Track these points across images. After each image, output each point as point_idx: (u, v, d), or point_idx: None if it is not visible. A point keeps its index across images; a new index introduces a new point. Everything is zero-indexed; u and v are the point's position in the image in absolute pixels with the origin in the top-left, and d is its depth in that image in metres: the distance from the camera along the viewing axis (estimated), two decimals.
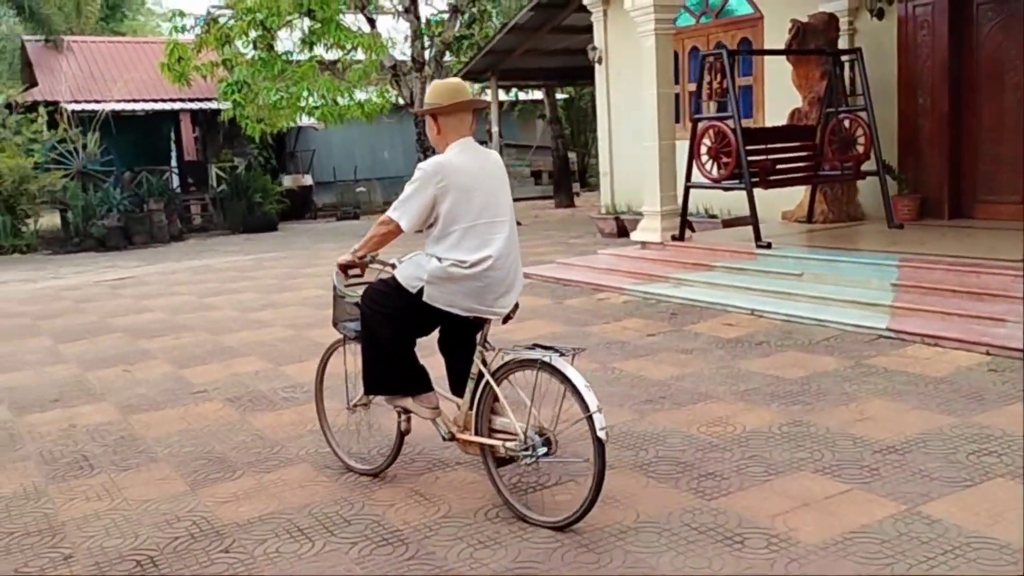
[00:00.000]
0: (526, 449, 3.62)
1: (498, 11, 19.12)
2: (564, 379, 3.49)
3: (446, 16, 18.44)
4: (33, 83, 20.11)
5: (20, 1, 18.58)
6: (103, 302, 10.67)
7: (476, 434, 3.86)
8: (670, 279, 8.49)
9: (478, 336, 3.86)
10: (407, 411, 4.12)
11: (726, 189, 9.05)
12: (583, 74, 18.88)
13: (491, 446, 3.80)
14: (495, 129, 17.77)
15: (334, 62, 17.68)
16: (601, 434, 3.39)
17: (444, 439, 4.04)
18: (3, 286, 12.96)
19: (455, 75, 18.73)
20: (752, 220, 8.51)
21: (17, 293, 11.98)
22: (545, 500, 3.91)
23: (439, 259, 3.76)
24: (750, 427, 4.70)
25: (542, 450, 3.60)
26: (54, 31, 19.95)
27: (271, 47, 17.04)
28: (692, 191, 9.35)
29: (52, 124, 18.25)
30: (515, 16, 15.93)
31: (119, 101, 19.41)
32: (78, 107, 18.75)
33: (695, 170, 9.05)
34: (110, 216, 17.85)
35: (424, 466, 4.41)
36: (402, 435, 4.23)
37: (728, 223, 11.50)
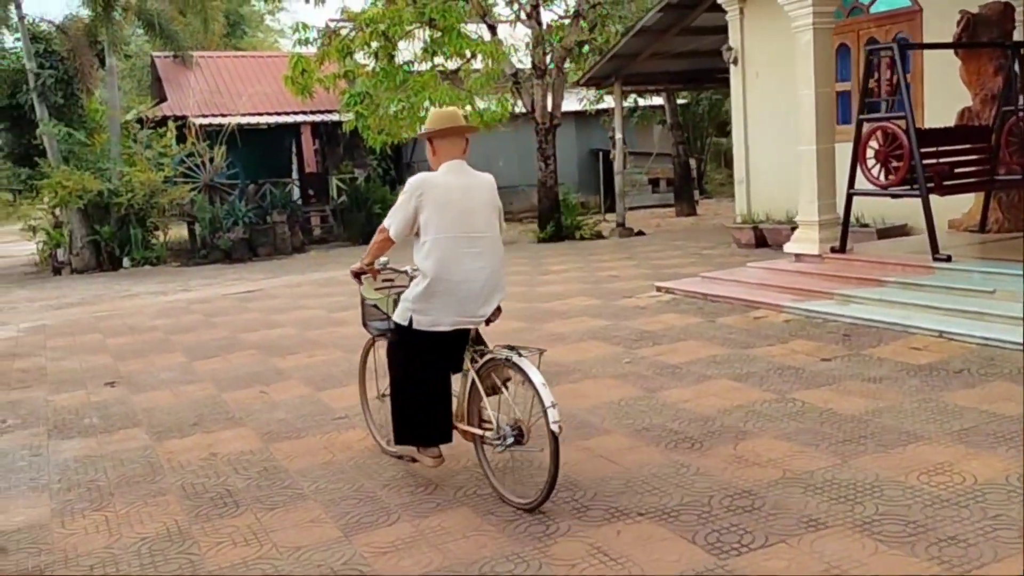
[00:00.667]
0: (498, 438, 4.07)
1: (620, 15, 18.51)
2: (525, 377, 3.89)
3: (567, 21, 17.98)
4: (162, 98, 20.65)
5: (150, 18, 19.04)
6: (233, 316, 10.58)
7: (468, 424, 4.28)
8: (835, 295, 7.72)
9: (470, 334, 4.29)
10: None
11: (895, 196, 8.21)
12: (710, 77, 18.13)
13: (480, 435, 4.23)
14: (619, 136, 17.17)
15: (454, 71, 17.45)
16: (554, 427, 3.76)
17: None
18: (135, 299, 13.12)
19: (578, 82, 18.26)
20: (929, 230, 7.65)
21: (149, 306, 12.07)
22: (525, 484, 4.17)
23: (420, 280, 4.16)
24: (981, 477, 3.98)
25: (511, 439, 4.01)
26: (182, 47, 20.43)
27: (392, 57, 16.93)
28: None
29: (180, 138, 18.63)
30: (641, 19, 15.31)
31: (244, 115, 19.70)
32: (205, 121, 19.10)
33: (859, 175, 8.26)
34: (236, 228, 18.08)
35: (601, 516, 3.87)
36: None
37: (883, 233, 10.62)
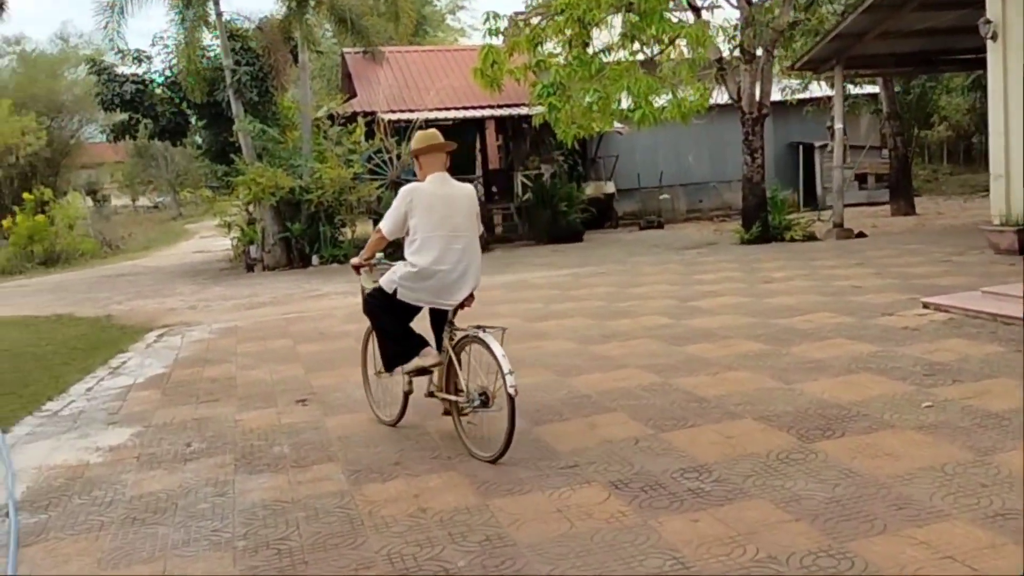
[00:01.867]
0: (468, 402, 4.92)
1: None
2: (489, 350, 4.73)
3: (780, 1, 16.32)
4: (352, 94, 20.53)
5: (342, 14, 18.86)
6: (420, 321, 9.83)
7: (445, 392, 5.15)
8: None
9: (448, 315, 5.18)
10: (418, 372, 5.33)
11: None
12: (947, 59, 16.01)
13: (454, 400, 5.06)
14: (839, 126, 15.38)
15: (651, 59, 16.20)
16: (511, 390, 4.56)
17: (426, 395, 5.39)
18: (324, 299, 12.71)
19: (792, 66, 16.59)
20: None
21: (338, 308, 11.57)
22: (489, 442, 4.80)
23: (407, 263, 5.06)
24: None
25: (477, 403, 4.84)
26: (372, 43, 20.22)
27: (586, 45, 15.89)
28: None
29: (369, 134, 18.35)
30: None
31: (431, 110, 19.22)
32: (393, 116, 18.76)
33: None
34: None
35: None
36: (406, 395, 5.53)
37: None
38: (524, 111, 19.55)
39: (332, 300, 12.55)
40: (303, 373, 7.57)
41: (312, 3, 18.64)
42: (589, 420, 5.44)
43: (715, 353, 6.95)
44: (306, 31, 18.72)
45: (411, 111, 19.35)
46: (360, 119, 18.54)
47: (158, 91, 19.72)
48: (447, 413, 5.25)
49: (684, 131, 19.54)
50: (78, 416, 6.68)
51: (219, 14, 17.94)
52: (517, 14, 17.41)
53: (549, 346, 7.86)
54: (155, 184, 48.68)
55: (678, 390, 5.95)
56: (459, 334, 5.05)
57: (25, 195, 23.38)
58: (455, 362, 5.02)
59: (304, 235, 17.87)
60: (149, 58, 19.77)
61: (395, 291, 5.13)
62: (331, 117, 18.82)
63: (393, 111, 19.24)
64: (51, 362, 9.12)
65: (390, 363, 5.40)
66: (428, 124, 18.80)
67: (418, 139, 5.32)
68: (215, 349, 9.20)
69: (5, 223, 23.11)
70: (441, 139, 5.30)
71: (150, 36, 39.86)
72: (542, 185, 20.03)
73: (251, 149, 18.10)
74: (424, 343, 5.29)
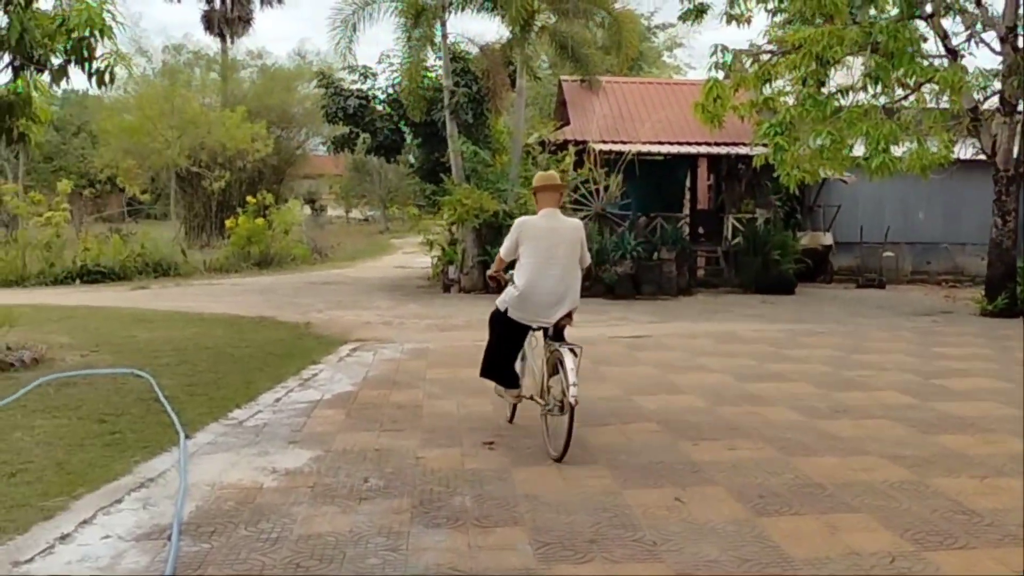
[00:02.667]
0: (547, 407, 5.80)
1: None
2: (562, 363, 5.53)
3: None
4: (565, 122, 20.19)
5: (563, 40, 18.59)
6: (623, 367, 9.10)
7: (540, 396, 5.97)
8: None
9: (547, 331, 5.97)
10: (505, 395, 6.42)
11: None
12: None
13: (542, 404, 5.92)
14: None
15: (893, 104, 14.77)
16: (572, 400, 5.36)
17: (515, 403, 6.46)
18: None
19: None
20: None
21: None
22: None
23: (514, 285, 5.98)
24: None
25: (556, 409, 5.67)
26: (591, 71, 19.83)
27: (821, 84, 14.71)
28: None
29: (578, 163, 17.89)
30: None
31: (644, 143, 18.53)
32: (605, 147, 18.20)
33: None
34: (623, 262, 16.86)
35: None
36: (513, 407, 6.51)
37: None
38: (743, 150, 18.48)
39: None
40: (491, 411, 7.01)
41: (536, 29, 18.48)
42: (827, 519, 4.49)
43: (978, 450, 5.78)
44: (526, 56, 18.56)
45: (623, 143, 18.74)
46: (571, 147, 18.12)
47: (379, 107, 20.20)
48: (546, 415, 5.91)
49: (916, 185, 17.75)
50: (261, 429, 6.43)
51: (444, 35, 18.12)
52: (750, 47, 16.42)
53: (768, 414, 6.90)
54: (367, 198, 50.84)
55: (937, 494, 4.87)
56: (552, 348, 5.80)
57: (248, 198, 24.69)
58: (546, 370, 5.88)
59: None
60: (374, 75, 20.32)
61: (506, 310, 6.04)
62: (542, 143, 18.53)
63: (605, 141, 18.69)
64: (246, 366, 9.10)
65: (484, 373, 6.38)
66: (638, 157, 18.14)
67: (538, 178, 6.36)
68: (405, 371, 8.87)
69: (228, 223, 24.48)
70: (557, 181, 6.36)
71: (375, 56, 42.00)
72: (755, 230, 18.80)
73: (460, 170, 18.10)
74: (516, 384, 6.24)
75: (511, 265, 6.14)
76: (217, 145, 26.19)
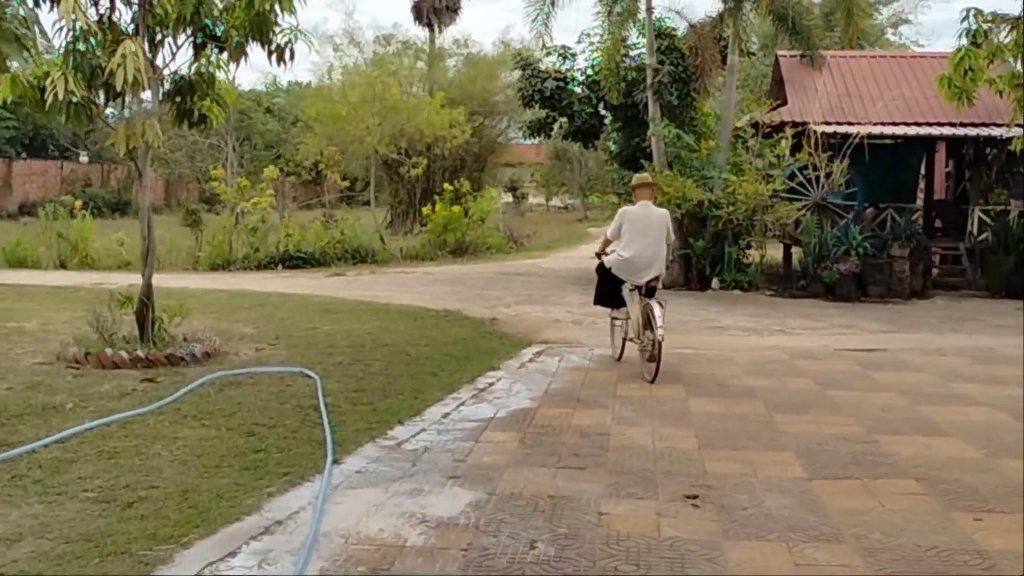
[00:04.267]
0: (644, 347, 7.91)
1: None
2: (652, 314, 7.66)
3: None
4: (782, 102, 18.23)
5: (783, 12, 16.67)
6: (857, 392, 7.49)
7: (637, 338, 8.09)
8: None
9: (641, 289, 8.22)
10: (615, 318, 8.82)
11: None
12: None
13: (641, 343, 8.02)
14: None
15: None
16: (659, 335, 7.52)
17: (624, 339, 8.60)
18: (723, 334, 10.78)
19: None
20: None
21: (740, 350, 9.57)
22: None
23: (618, 253, 8.32)
24: None
25: (648, 351, 7.83)
26: (813, 45, 17.76)
27: None
28: None
29: (796, 147, 15.98)
30: None
31: (873, 124, 16.31)
32: (828, 129, 16.14)
33: None
34: (847, 260, 14.86)
35: None
36: (623, 339, 8.67)
37: None
38: (996, 132, 15.89)
39: (732, 337, 10.59)
40: (695, 447, 5.73)
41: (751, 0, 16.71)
42: None
43: None
44: (739, 29, 16.82)
45: (849, 124, 16.59)
46: (788, 130, 16.22)
47: (577, 90, 19.09)
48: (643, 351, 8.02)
49: None
50: (420, 455, 5.49)
51: (650, 9, 16.72)
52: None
53: None
54: (567, 186, 50.13)
55: None
56: (644, 301, 8.04)
57: (445, 185, 24.37)
58: (640, 319, 8.03)
59: (706, 254, 16.02)
60: (573, 55, 19.21)
61: (610, 268, 8.43)
62: (754, 126, 16.74)
63: (828, 123, 16.60)
64: (420, 369, 8.28)
65: (597, 301, 8.96)
66: (867, 140, 15.98)
67: (635, 179, 8.88)
68: (592, 384, 7.72)
69: (425, 211, 24.29)
70: (649, 180, 8.91)
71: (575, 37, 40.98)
72: (1007, 224, 16.14)
73: (662, 156, 16.68)
74: (623, 304, 8.55)
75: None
76: (416, 132, 26.09)
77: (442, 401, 6.96)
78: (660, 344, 7.51)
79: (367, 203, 33.32)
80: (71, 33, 7.37)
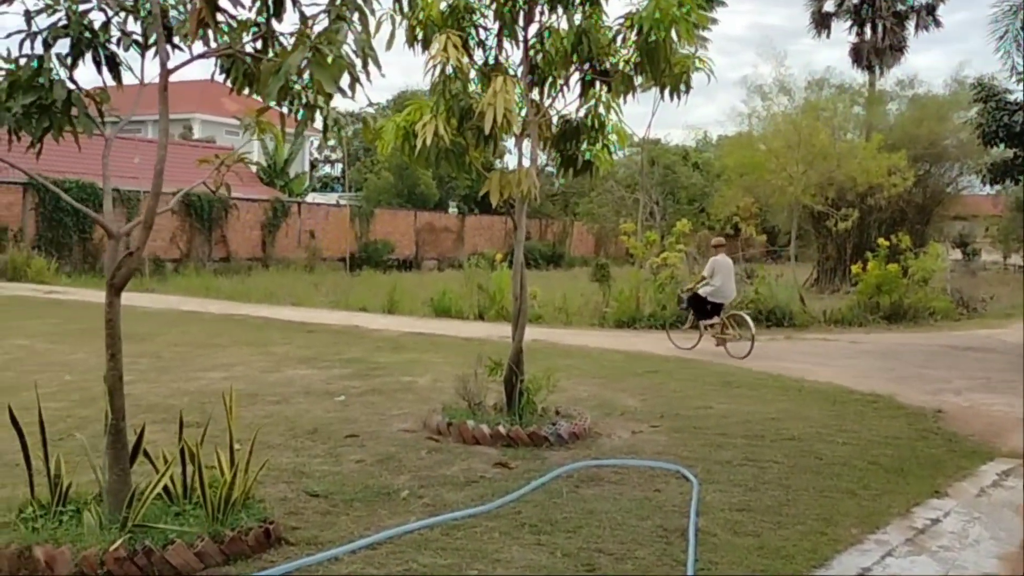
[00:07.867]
0: (729, 337, 13.55)
1: None
2: (744, 321, 13.34)
3: None
4: None
5: None
6: None
7: (722, 334, 13.53)
8: None
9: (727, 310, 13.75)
10: (709, 326, 13.81)
11: None
12: None
13: (725, 341, 13.48)
14: None
15: None
16: (752, 330, 13.10)
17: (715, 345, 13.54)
18: None
19: None
20: None
21: None
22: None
23: (711, 286, 13.59)
24: None
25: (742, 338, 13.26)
26: None
27: None
28: None
29: None
30: None
31: None
32: None
33: None
34: None
35: None
36: (698, 339, 14.09)
37: None
38: None
39: None
40: None
41: None
42: None
43: None
44: None
45: None
46: None
47: None
48: (719, 344, 13.46)
49: None
50: None
51: None
52: None
53: None
54: None
55: None
56: (730, 313, 13.55)
57: (880, 240, 21.35)
58: (726, 324, 13.45)
59: None
60: None
61: (706, 296, 13.50)
62: None
63: None
64: (833, 483, 6.30)
65: (699, 318, 13.87)
66: None
67: (714, 241, 14.64)
68: None
69: (854, 268, 21.47)
70: (724, 242, 14.44)
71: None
72: None
73: None
74: (716, 315, 13.65)
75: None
76: (847, 179, 23.37)
77: (860, 545, 4.98)
78: (753, 337, 13.03)
79: (785, 259, 31.01)
80: (442, 74, 6.76)
